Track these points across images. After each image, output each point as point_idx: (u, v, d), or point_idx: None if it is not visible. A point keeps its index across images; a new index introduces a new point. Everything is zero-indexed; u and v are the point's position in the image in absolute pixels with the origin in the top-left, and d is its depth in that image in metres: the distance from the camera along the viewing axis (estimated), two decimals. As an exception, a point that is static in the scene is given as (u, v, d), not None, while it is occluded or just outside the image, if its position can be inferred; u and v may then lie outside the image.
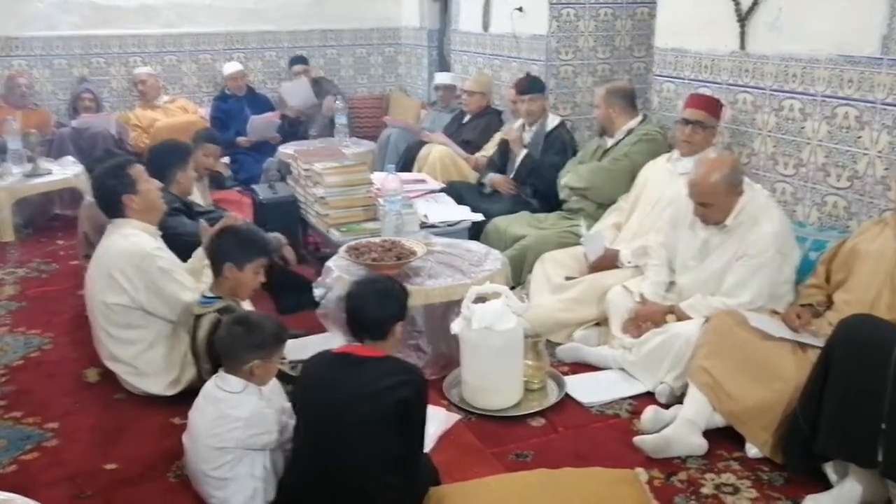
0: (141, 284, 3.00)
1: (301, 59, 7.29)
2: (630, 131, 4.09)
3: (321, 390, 2.24)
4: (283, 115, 6.88)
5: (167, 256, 3.08)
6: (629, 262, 3.60)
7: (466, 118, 5.49)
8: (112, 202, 3.09)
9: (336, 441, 2.17)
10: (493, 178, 4.69)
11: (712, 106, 3.70)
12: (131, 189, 3.07)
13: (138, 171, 3.14)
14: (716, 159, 3.12)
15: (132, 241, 3.03)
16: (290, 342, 3.05)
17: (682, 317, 3.11)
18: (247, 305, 3.04)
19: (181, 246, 3.27)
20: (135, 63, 7.06)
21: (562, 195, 4.23)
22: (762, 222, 3.03)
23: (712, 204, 3.06)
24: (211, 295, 2.84)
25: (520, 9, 5.42)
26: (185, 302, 2.99)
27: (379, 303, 2.34)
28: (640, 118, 4.13)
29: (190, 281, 3.08)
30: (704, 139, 3.64)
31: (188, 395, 2.81)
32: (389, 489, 2.17)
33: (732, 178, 3.05)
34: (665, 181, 3.69)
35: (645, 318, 3.20)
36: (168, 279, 3.01)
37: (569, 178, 4.15)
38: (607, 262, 3.66)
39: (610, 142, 4.15)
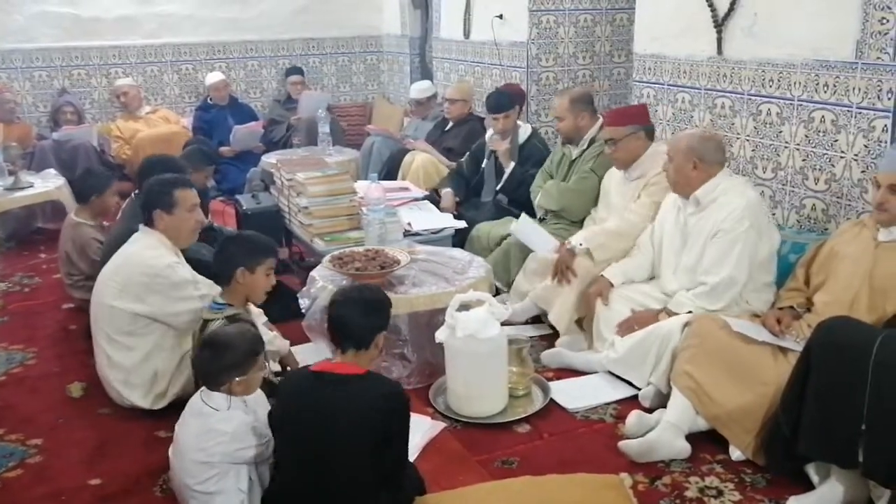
0: (156, 295, 3.03)
1: (297, 70, 7.32)
2: (592, 139, 4.08)
3: (300, 410, 2.20)
4: (272, 120, 6.87)
5: (183, 272, 3.09)
6: (581, 245, 3.58)
7: (449, 126, 5.50)
8: (147, 210, 3.16)
9: (318, 460, 2.14)
10: (444, 194, 4.71)
11: (618, 117, 3.69)
12: (167, 208, 3.12)
13: (185, 196, 3.17)
14: (701, 130, 3.48)
15: (153, 254, 3.08)
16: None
17: (672, 316, 3.13)
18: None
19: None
20: (116, 74, 7.04)
21: (538, 213, 4.23)
22: (733, 197, 3.10)
23: (672, 157, 3.19)
24: (222, 302, 2.85)
25: (500, 16, 5.46)
26: (198, 309, 3.01)
27: (366, 312, 2.30)
28: (599, 122, 4.13)
29: (206, 292, 3.08)
30: (627, 150, 3.65)
31: (173, 409, 2.82)
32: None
33: (699, 145, 3.16)
34: (619, 188, 3.78)
35: (638, 323, 3.21)
36: (186, 290, 3.04)
37: (541, 199, 4.15)
38: (567, 260, 3.64)
39: (575, 151, 4.12)
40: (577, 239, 3.62)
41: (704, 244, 3.14)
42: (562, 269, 3.57)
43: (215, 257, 2.95)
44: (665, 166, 3.26)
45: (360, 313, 2.28)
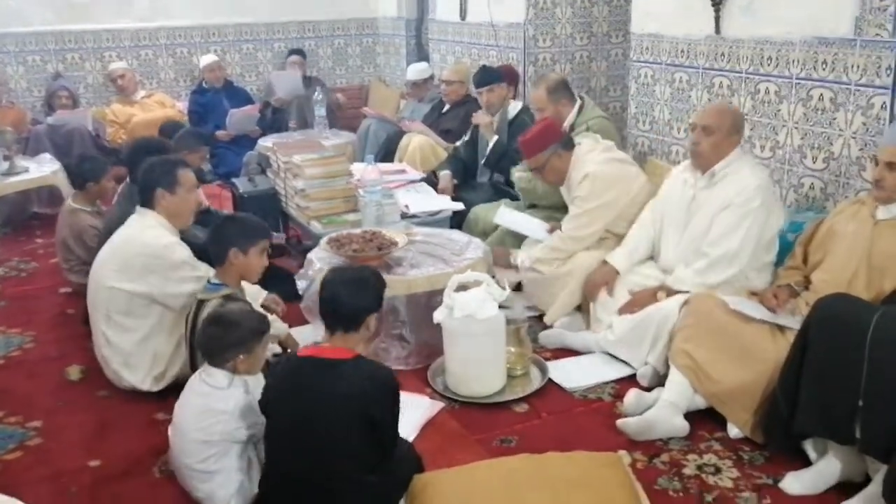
0: (154, 275, 3.03)
1: (299, 52, 7.32)
2: (572, 126, 4.05)
3: (291, 396, 2.17)
4: (266, 103, 6.85)
5: (182, 252, 3.10)
6: (524, 262, 3.59)
7: (446, 108, 5.47)
8: (147, 190, 3.15)
9: (310, 446, 2.12)
10: (441, 176, 4.68)
11: (530, 146, 3.65)
12: (169, 187, 3.12)
13: (187, 177, 3.19)
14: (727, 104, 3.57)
15: (152, 234, 3.08)
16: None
17: (671, 293, 3.12)
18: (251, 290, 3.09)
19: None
20: (110, 58, 6.98)
21: (525, 203, 4.16)
22: (746, 174, 3.08)
23: (713, 131, 3.10)
24: (217, 282, 2.86)
25: (497, -4, 5.42)
26: (197, 290, 2.99)
27: (355, 293, 2.24)
28: (577, 105, 4.12)
29: (204, 273, 3.08)
30: (554, 172, 3.65)
31: (172, 391, 2.82)
32: (367, 488, 2.13)
33: (738, 119, 3.19)
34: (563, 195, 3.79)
35: (638, 305, 3.19)
36: (184, 271, 3.04)
37: (527, 195, 4.07)
38: (501, 258, 3.66)
39: None
40: (522, 256, 3.63)
41: (713, 218, 3.11)
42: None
43: (209, 238, 2.96)
44: (697, 138, 3.15)
45: (351, 293, 2.24)
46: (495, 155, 4.47)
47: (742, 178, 3.08)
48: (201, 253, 3.19)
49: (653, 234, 3.40)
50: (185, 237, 3.23)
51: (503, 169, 4.47)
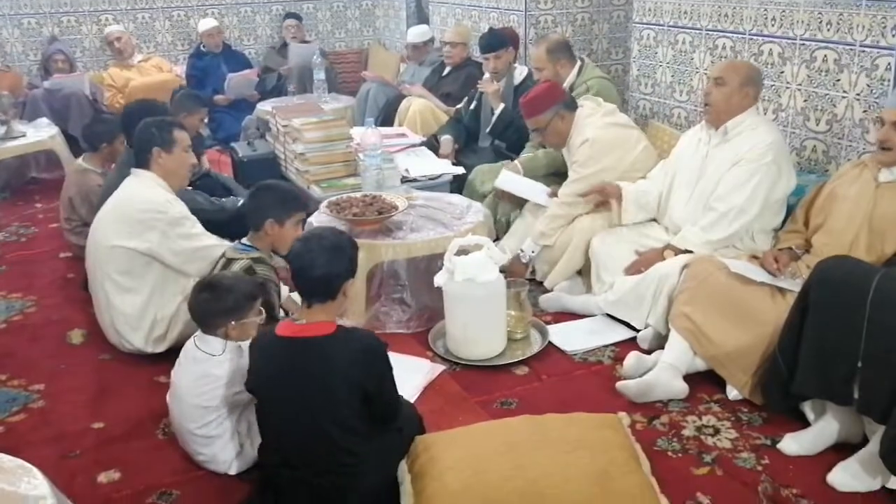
0: (154, 231, 3.03)
1: (294, 15, 7.24)
2: (571, 86, 4.01)
3: (280, 379, 2.09)
4: (266, 68, 6.80)
5: (180, 208, 3.11)
6: (532, 252, 3.60)
7: (446, 71, 5.42)
8: (143, 150, 3.15)
9: (306, 426, 2.08)
10: (443, 141, 4.62)
11: (532, 107, 3.60)
12: (166, 146, 3.13)
13: (182, 137, 3.20)
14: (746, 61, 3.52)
15: (150, 192, 3.09)
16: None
17: (678, 252, 3.13)
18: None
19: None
20: (106, 21, 6.91)
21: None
22: (761, 131, 3.06)
23: (725, 83, 3.07)
24: (248, 244, 2.84)
25: (497, -43, 5.33)
26: (196, 247, 3.03)
27: (329, 260, 2.11)
28: (577, 66, 4.08)
29: (203, 230, 3.12)
30: (556, 133, 3.61)
31: (173, 354, 2.82)
32: (369, 457, 2.11)
33: (752, 73, 3.14)
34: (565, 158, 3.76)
35: (644, 265, 3.18)
36: (184, 227, 3.06)
37: (527, 162, 4.00)
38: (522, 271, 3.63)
39: None
40: (528, 246, 3.61)
41: (724, 173, 3.10)
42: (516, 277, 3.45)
43: (247, 203, 2.94)
44: (709, 89, 3.13)
45: (326, 261, 2.11)
46: (502, 123, 4.41)
47: (756, 134, 3.06)
48: (205, 219, 3.20)
49: (661, 190, 3.38)
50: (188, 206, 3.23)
51: (508, 138, 4.41)
